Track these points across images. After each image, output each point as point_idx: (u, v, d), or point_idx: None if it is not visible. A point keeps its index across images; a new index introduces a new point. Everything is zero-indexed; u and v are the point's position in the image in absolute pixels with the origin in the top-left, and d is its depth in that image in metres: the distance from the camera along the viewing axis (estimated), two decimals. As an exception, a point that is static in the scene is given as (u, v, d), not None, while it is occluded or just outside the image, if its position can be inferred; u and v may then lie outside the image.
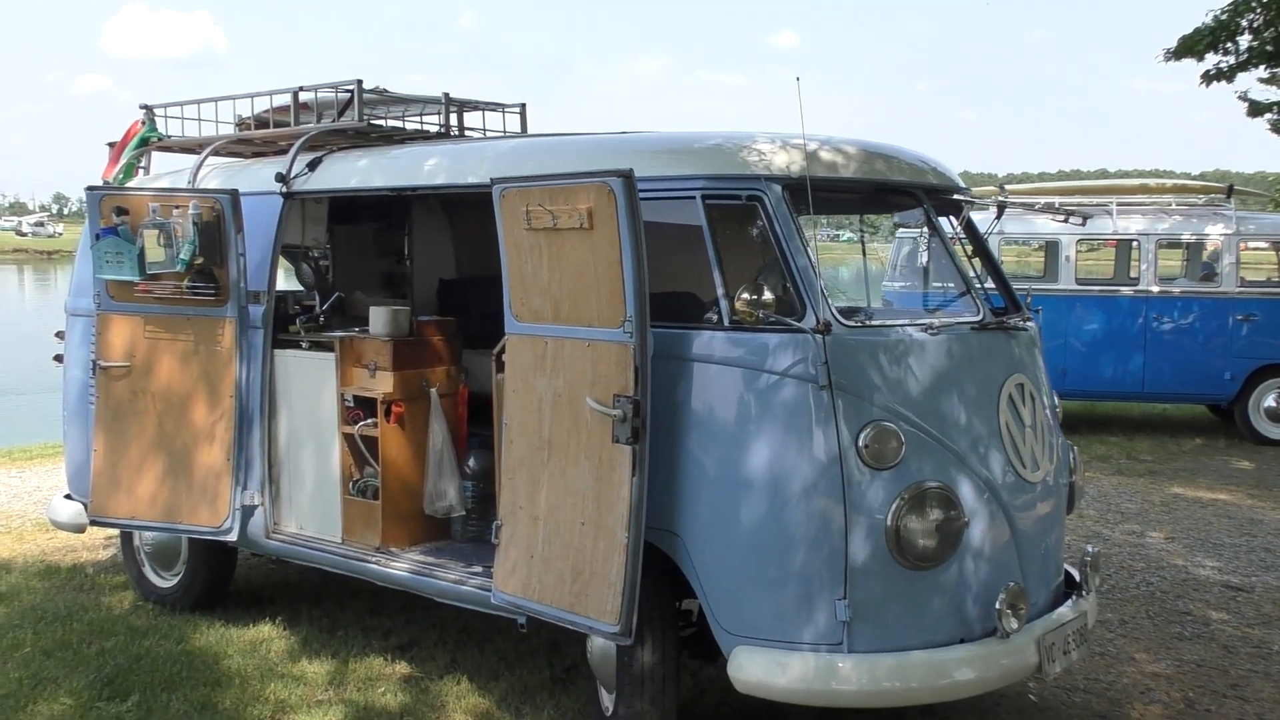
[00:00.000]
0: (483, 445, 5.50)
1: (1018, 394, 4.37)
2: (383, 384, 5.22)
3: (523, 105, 6.43)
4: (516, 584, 4.43)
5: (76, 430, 6.34)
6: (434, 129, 6.16)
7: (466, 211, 7.11)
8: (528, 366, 4.40)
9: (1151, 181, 12.17)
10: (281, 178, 5.48)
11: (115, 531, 6.49)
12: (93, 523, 5.69)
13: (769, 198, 4.13)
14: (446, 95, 6.02)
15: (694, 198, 4.24)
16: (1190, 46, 12.45)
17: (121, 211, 5.41)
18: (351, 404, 5.30)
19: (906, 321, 4.27)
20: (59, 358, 6.74)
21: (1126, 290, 11.78)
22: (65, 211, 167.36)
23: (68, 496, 6.45)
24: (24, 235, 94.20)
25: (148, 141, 6.46)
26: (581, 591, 4.19)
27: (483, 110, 6.26)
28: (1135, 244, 11.80)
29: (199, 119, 6.32)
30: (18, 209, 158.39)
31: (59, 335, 6.75)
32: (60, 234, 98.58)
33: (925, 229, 4.69)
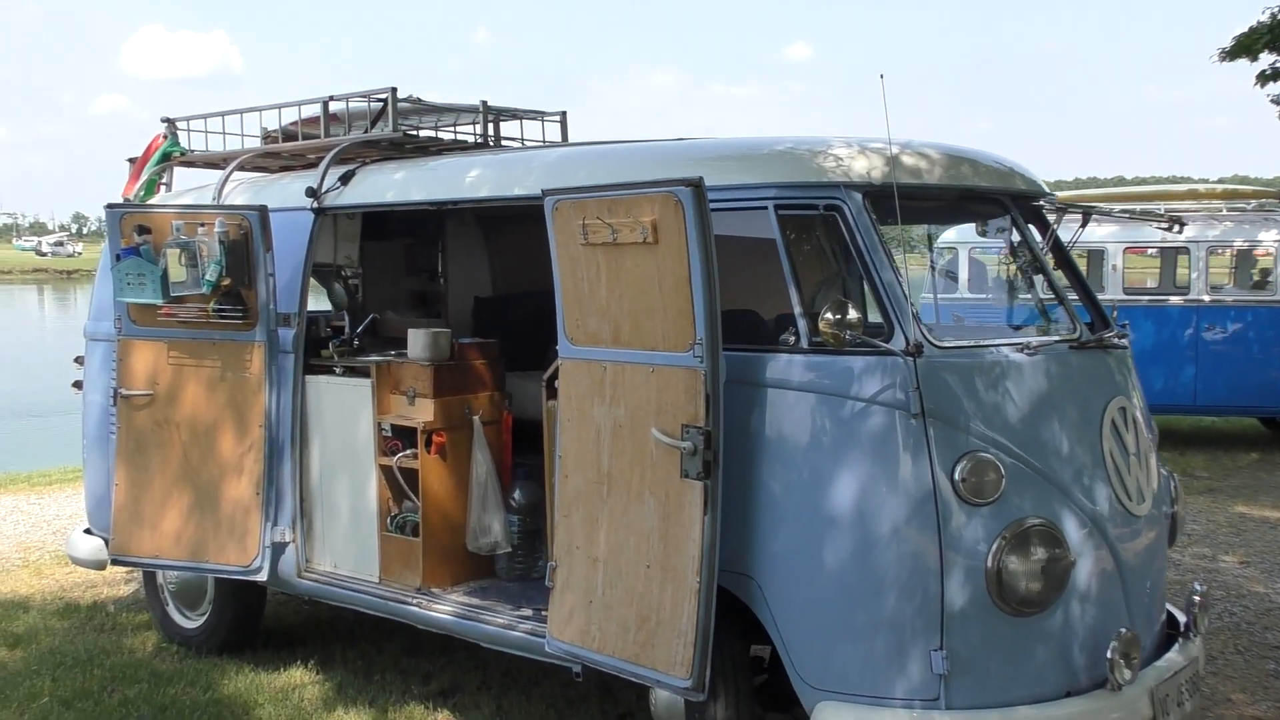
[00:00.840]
0: (528, 476, 5.15)
1: (1120, 418, 3.99)
2: (423, 412, 4.87)
3: (563, 113, 6.10)
4: (574, 631, 4.07)
5: (96, 460, 6.01)
6: (468, 139, 5.84)
7: (503, 226, 6.79)
8: (584, 394, 4.05)
9: (1201, 187, 11.77)
10: (312, 192, 5.14)
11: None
12: (114, 562, 5.35)
13: (849, 207, 3.77)
14: (484, 103, 5.70)
15: (765, 208, 3.88)
16: (1247, 46, 12.06)
17: (143, 230, 5.09)
18: (389, 433, 4.95)
19: (1001, 341, 3.90)
20: (78, 384, 6.42)
21: (1176, 299, 11.38)
22: (84, 231, 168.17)
23: (87, 531, 6.13)
24: (44, 255, 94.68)
25: (170, 156, 6.15)
26: (647, 641, 3.82)
27: (520, 119, 5.93)
28: (1185, 251, 11.40)
29: (223, 133, 6.01)
30: (37, 229, 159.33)
31: (78, 361, 6.44)
32: (80, 253, 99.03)
33: (1011, 238, 4.31)
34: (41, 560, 7.63)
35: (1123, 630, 3.68)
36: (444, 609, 4.71)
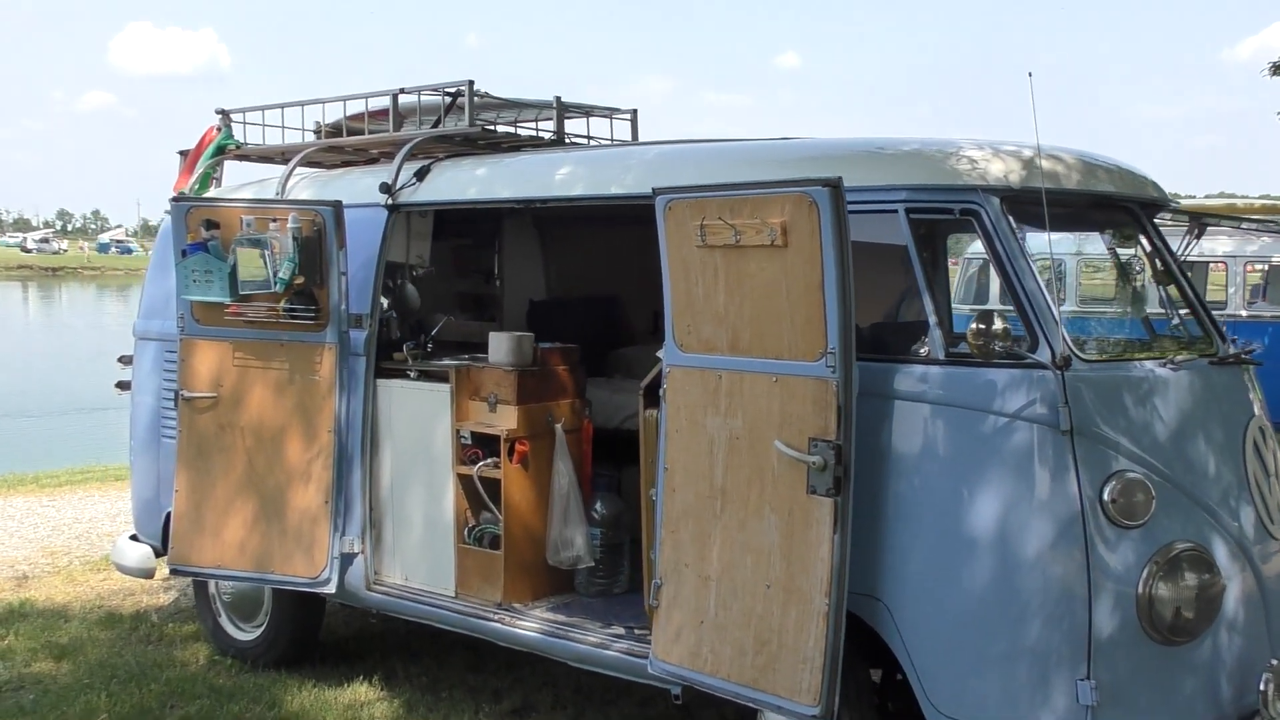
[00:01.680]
0: (609, 487, 4.95)
1: (1260, 437, 3.82)
2: (505, 419, 4.66)
3: (634, 111, 5.90)
4: (682, 653, 3.86)
5: (145, 463, 5.78)
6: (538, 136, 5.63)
7: (559, 228, 6.59)
8: (695, 403, 3.85)
9: (1239, 202, 11.66)
10: (387, 188, 4.93)
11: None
12: (173, 572, 5.12)
13: (988, 211, 3.59)
14: (558, 99, 5.49)
15: (895, 211, 3.69)
16: None
17: (211, 225, 4.87)
18: (468, 441, 4.73)
19: (1143, 355, 3.72)
20: (123, 384, 6.20)
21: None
22: (69, 228, 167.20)
23: (133, 537, 5.89)
24: (29, 251, 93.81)
25: (224, 149, 5.93)
26: (767, 665, 3.62)
27: (592, 115, 5.73)
28: (1220, 266, 11.27)
29: (282, 126, 5.79)
30: (21, 225, 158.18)
31: (122, 360, 6.21)
32: (65, 250, 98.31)
33: (1144, 247, 4.13)
34: (72, 567, 7.37)
35: (1274, 661, 3.50)
36: (529, 626, 4.50)
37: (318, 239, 4.79)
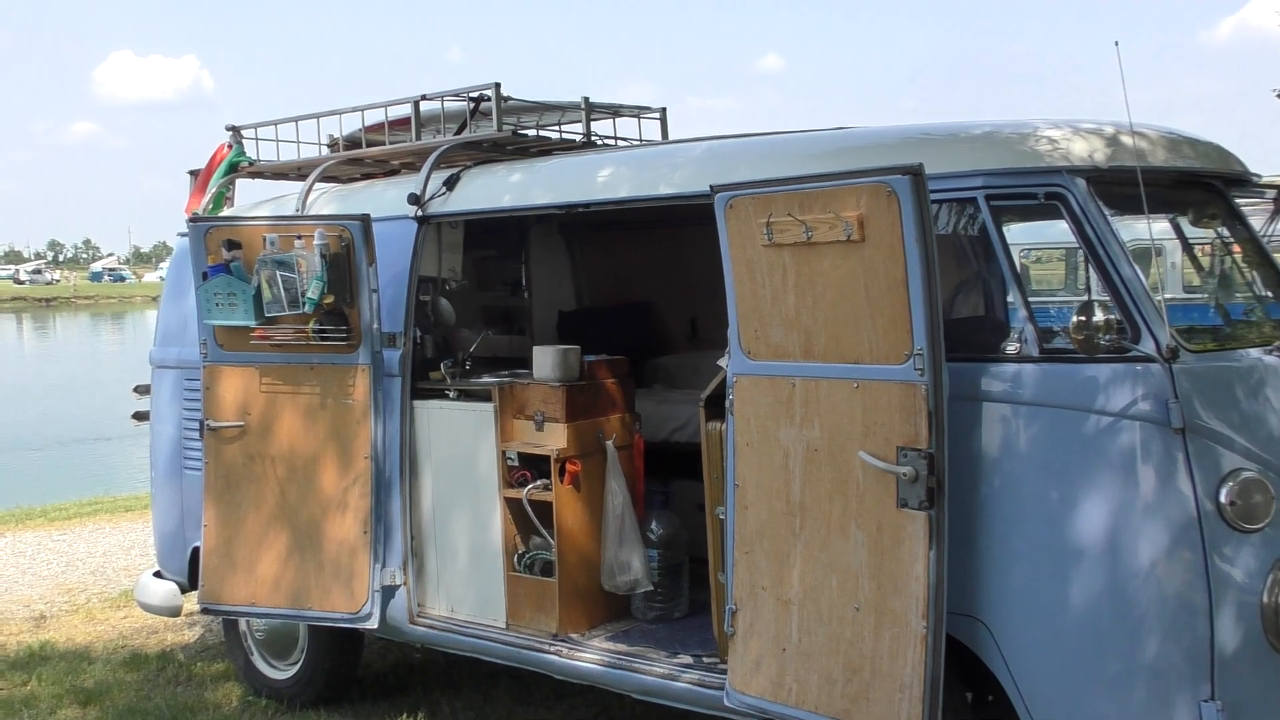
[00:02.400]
0: (664, 505, 4.69)
1: None
2: (554, 438, 4.40)
3: (663, 110, 5.66)
4: (763, 683, 3.60)
5: (167, 496, 5.52)
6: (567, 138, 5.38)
7: (588, 235, 6.34)
8: (767, 414, 3.59)
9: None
10: (415, 199, 4.68)
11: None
12: (204, 611, 4.85)
13: (1074, 194, 3.34)
14: (586, 99, 5.24)
15: (974, 198, 3.44)
16: None
17: (233, 245, 4.61)
18: (515, 463, 4.47)
19: (1245, 343, 3.47)
20: (140, 415, 5.95)
21: None
22: (61, 258, 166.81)
23: (157, 574, 5.62)
24: (21, 283, 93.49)
25: (236, 167, 5.67)
26: (860, 694, 3.36)
27: (621, 115, 5.49)
28: None
29: (297, 140, 5.54)
30: (12, 257, 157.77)
31: (138, 390, 5.96)
32: (58, 281, 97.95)
33: (1227, 226, 3.89)
34: (90, 604, 7.10)
35: None
36: (589, 658, 4.23)
37: (346, 255, 4.53)
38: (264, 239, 4.59)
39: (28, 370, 34.50)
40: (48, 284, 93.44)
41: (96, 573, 8.13)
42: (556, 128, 5.55)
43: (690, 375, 6.06)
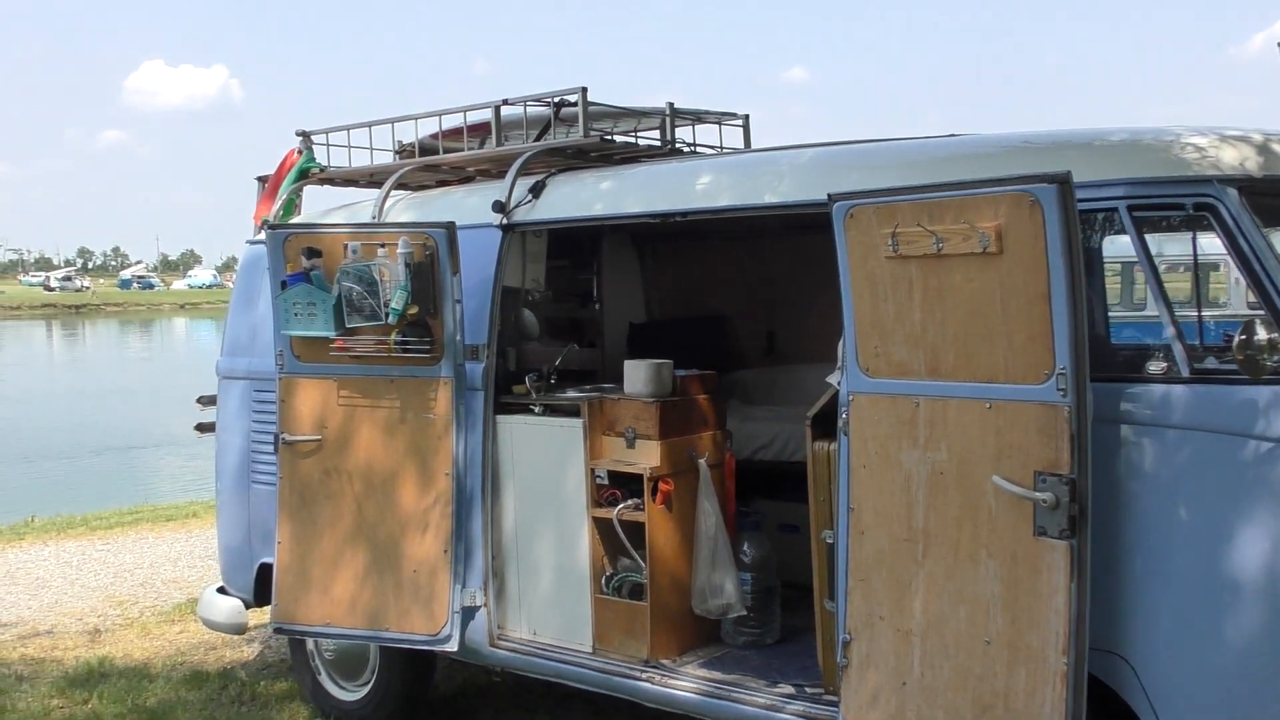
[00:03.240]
0: (756, 527, 4.51)
1: None
2: (647, 456, 4.23)
3: (746, 117, 5.49)
4: (881, 718, 3.41)
5: (234, 510, 5.38)
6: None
7: (659, 246, 6.18)
8: (887, 435, 3.41)
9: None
10: (501, 206, 4.52)
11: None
12: (278, 631, 4.69)
13: (1226, 205, 3.14)
14: (670, 105, 5.08)
15: (1114, 208, 3.25)
16: None
17: (313, 253, 4.46)
18: (605, 481, 4.30)
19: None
20: (203, 427, 5.81)
21: None
22: (90, 265, 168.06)
23: (221, 590, 5.48)
24: (52, 290, 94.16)
25: (307, 173, 5.53)
26: (992, 733, 3.17)
27: (703, 122, 5.32)
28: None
29: (370, 147, 5.41)
30: (43, 264, 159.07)
31: (201, 401, 5.83)
32: (88, 288, 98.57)
33: None
34: (144, 618, 6.96)
35: None
36: (685, 686, 4.05)
37: (429, 264, 4.38)
38: (345, 247, 4.45)
39: (59, 378, 34.62)
40: (77, 290, 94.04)
41: (145, 585, 8.00)
42: (631, 134, 5.39)
43: (768, 391, 5.89)
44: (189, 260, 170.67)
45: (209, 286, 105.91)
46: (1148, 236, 3.26)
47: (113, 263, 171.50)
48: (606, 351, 5.91)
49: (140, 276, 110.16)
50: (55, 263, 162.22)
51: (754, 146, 5.29)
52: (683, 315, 6.21)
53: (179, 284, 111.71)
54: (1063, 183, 2.96)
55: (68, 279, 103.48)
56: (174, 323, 67.13)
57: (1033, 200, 3.01)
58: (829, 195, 3.44)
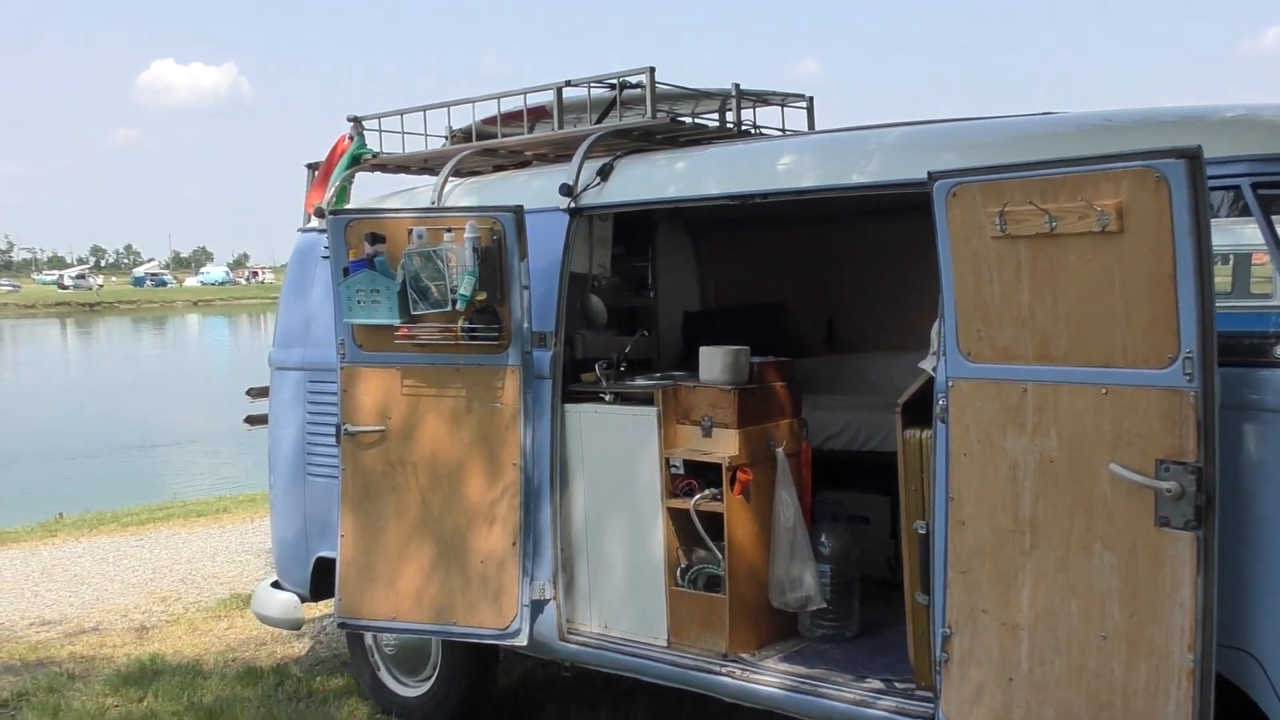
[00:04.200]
0: (835, 518, 4.38)
1: None
2: (724, 445, 4.10)
3: (810, 98, 5.37)
4: (985, 715, 3.29)
5: (289, 503, 5.27)
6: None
7: (713, 233, 6.05)
8: (990, 421, 3.28)
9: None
10: (568, 189, 4.40)
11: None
12: (342, 625, 4.58)
13: None
14: (737, 86, 4.95)
15: (1237, 185, 3.11)
16: None
17: (377, 239, 4.35)
18: (680, 471, 4.18)
19: None
20: (252, 419, 5.70)
21: None
22: (102, 263, 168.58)
23: (275, 584, 5.37)
24: (66, 289, 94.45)
25: (359, 159, 5.41)
26: (1109, 731, 3.04)
27: (769, 104, 5.20)
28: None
29: (425, 133, 5.30)
30: (56, 263, 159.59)
31: (252, 393, 5.72)
32: (101, 286, 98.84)
33: None
34: (190, 615, 6.87)
35: None
36: (768, 680, 3.92)
37: (497, 249, 4.26)
38: (410, 232, 4.33)
39: (73, 376, 34.66)
40: (90, 289, 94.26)
41: (186, 580, 7.92)
42: (690, 115, 5.26)
43: (832, 380, 5.75)
44: (201, 257, 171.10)
45: (221, 283, 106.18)
46: (1275, 217, 3.12)
47: (125, 260, 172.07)
48: (663, 339, 5.80)
49: (153, 274, 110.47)
50: (68, 261, 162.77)
51: (819, 129, 5.17)
52: (739, 303, 6.08)
53: (191, 281, 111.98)
54: (1193, 157, 2.83)
55: (81, 277, 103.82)
56: (187, 320, 67.28)
57: (1158, 176, 2.87)
58: (929, 173, 3.31)
